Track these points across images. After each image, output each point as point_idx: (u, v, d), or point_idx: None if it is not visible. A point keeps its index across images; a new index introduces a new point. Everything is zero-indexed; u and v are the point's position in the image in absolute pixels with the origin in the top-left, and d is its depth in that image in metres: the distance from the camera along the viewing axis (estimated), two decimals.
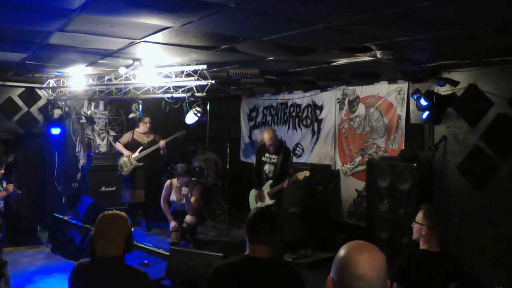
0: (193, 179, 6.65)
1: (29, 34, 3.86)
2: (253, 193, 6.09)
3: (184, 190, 6.15)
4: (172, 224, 6.24)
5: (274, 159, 5.93)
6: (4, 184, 5.72)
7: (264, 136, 5.93)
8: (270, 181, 5.88)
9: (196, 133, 8.19)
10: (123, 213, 2.60)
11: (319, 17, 3.13)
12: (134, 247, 2.59)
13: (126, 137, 7.47)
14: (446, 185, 5.46)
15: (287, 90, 7.81)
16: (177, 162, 7.08)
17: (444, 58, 4.74)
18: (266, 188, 5.91)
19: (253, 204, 6.01)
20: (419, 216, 2.97)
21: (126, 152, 7.22)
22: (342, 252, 1.54)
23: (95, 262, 2.45)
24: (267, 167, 5.98)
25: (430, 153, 5.57)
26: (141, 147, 7.24)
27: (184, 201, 6.20)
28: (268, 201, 5.86)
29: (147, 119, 7.36)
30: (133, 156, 7.20)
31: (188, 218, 6.19)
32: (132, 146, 7.30)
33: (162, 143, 7.20)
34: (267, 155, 5.99)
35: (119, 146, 7.36)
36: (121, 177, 7.37)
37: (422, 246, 2.92)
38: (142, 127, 7.38)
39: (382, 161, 5.88)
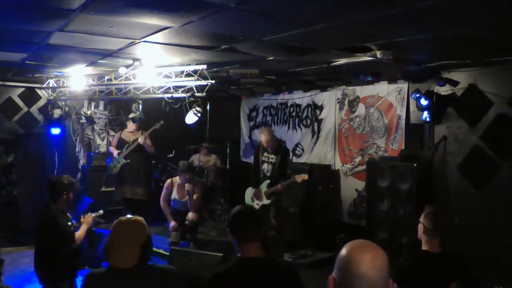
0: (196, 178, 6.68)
1: (29, 34, 3.86)
2: (249, 191, 6.08)
3: (188, 186, 6.17)
4: (172, 223, 6.24)
5: (272, 158, 5.91)
6: (82, 218, 4.38)
7: (262, 137, 5.92)
8: (268, 181, 5.87)
9: (196, 133, 8.19)
10: (140, 219, 2.39)
11: (319, 17, 3.13)
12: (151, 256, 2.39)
13: (115, 138, 7.59)
14: (446, 185, 5.45)
15: (287, 90, 7.82)
16: (177, 162, 7.09)
17: (444, 58, 4.74)
18: (263, 187, 5.90)
19: (249, 202, 6.00)
20: (422, 216, 2.97)
21: (115, 151, 7.32)
22: (344, 251, 1.53)
23: (112, 272, 2.26)
24: (265, 166, 5.97)
25: (430, 153, 5.57)
26: (127, 145, 7.29)
27: (187, 198, 6.22)
28: (265, 200, 5.86)
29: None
30: (120, 154, 7.26)
31: (190, 215, 6.20)
32: (120, 145, 7.38)
33: (140, 139, 7.18)
34: (265, 154, 5.99)
35: (112, 149, 7.48)
36: (114, 177, 7.43)
37: (423, 247, 2.91)
38: (130, 126, 7.44)
39: (382, 161, 5.88)
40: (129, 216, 2.44)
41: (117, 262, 2.25)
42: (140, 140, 7.18)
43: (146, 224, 2.43)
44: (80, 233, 4.14)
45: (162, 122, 7.31)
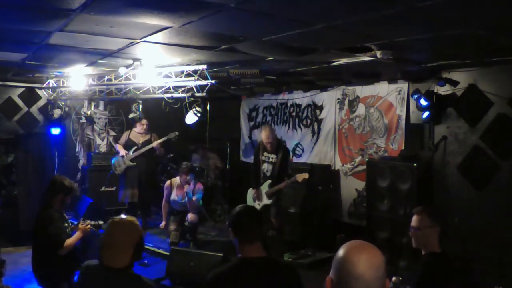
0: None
1: (29, 34, 3.86)
2: (251, 192, 6.08)
3: (187, 187, 6.18)
4: (163, 223, 6.42)
5: (272, 158, 5.91)
6: (81, 223, 4.20)
7: (262, 134, 5.93)
8: (269, 181, 5.87)
9: (196, 133, 8.19)
10: (133, 220, 2.46)
11: (319, 17, 3.13)
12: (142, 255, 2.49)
13: (124, 137, 7.53)
14: (446, 185, 5.46)
15: (287, 90, 7.82)
16: (177, 162, 7.10)
17: (444, 58, 4.74)
18: (264, 187, 5.90)
19: (250, 203, 6.00)
20: (415, 220, 2.91)
21: (122, 151, 7.28)
22: (341, 252, 1.54)
23: (102, 269, 2.34)
24: (265, 166, 5.97)
25: (430, 153, 5.57)
26: (135, 147, 7.27)
27: (186, 199, 6.23)
28: (266, 200, 5.85)
29: (144, 121, 7.40)
30: (127, 156, 7.24)
31: (190, 216, 6.23)
32: (127, 146, 7.35)
33: (155, 144, 7.21)
34: (265, 154, 5.98)
35: (119, 147, 7.44)
36: (118, 177, 7.43)
37: (425, 249, 2.88)
38: (139, 128, 7.42)
39: (382, 161, 5.88)
40: (123, 216, 2.50)
41: (110, 262, 2.30)
42: (155, 145, 7.18)
43: (139, 224, 2.49)
44: (71, 241, 4.01)
45: (177, 133, 7.30)
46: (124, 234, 2.35)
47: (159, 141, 7.26)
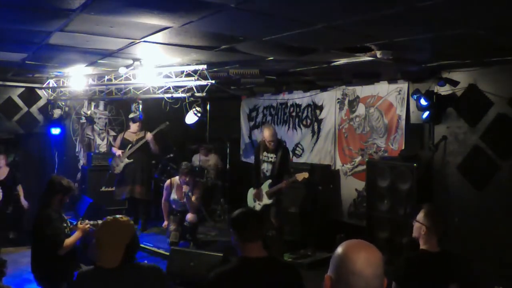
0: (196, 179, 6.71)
1: (29, 34, 3.86)
2: (251, 192, 6.08)
3: (185, 188, 6.19)
4: (165, 223, 6.40)
5: (272, 158, 5.91)
6: (80, 223, 4.19)
7: (265, 133, 5.90)
8: (269, 181, 5.86)
9: (196, 133, 8.19)
10: (126, 219, 2.45)
11: (319, 17, 3.13)
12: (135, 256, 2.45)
13: (118, 139, 7.60)
14: (446, 185, 5.46)
15: (287, 90, 7.82)
16: (177, 162, 7.10)
17: (444, 58, 4.74)
18: (265, 187, 5.89)
19: (251, 203, 6.00)
20: (420, 215, 2.97)
21: (118, 151, 7.34)
22: (339, 250, 1.55)
23: (99, 271, 2.33)
24: (265, 166, 5.96)
25: (430, 153, 5.57)
26: (130, 145, 7.31)
27: (185, 199, 6.24)
28: (267, 200, 5.84)
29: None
30: (123, 154, 7.28)
31: (189, 216, 6.24)
32: (123, 145, 7.40)
33: (148, 135, 7.24)
34: (265, 153, 5.97)
35: (114, 149, 7.50)
36: (114, 176, 7.46)
37: (422, 246, 2.92)
38: (133, 127, 7.45)
39: (382, 161, 5.88)
40: (117, 216, 2.49)
41: (102, 262, 2.31)
42: (148, 137, 7.20)
43: (133, 224, 2.49)
44: (71, 240, 4.00)
45: (167, 123, 7.33)
46: (114, 234, 2.34)
47: (152, 133, 7.29)
